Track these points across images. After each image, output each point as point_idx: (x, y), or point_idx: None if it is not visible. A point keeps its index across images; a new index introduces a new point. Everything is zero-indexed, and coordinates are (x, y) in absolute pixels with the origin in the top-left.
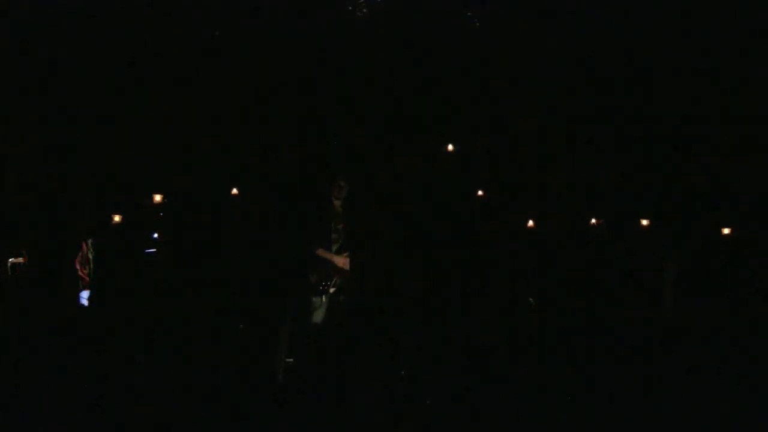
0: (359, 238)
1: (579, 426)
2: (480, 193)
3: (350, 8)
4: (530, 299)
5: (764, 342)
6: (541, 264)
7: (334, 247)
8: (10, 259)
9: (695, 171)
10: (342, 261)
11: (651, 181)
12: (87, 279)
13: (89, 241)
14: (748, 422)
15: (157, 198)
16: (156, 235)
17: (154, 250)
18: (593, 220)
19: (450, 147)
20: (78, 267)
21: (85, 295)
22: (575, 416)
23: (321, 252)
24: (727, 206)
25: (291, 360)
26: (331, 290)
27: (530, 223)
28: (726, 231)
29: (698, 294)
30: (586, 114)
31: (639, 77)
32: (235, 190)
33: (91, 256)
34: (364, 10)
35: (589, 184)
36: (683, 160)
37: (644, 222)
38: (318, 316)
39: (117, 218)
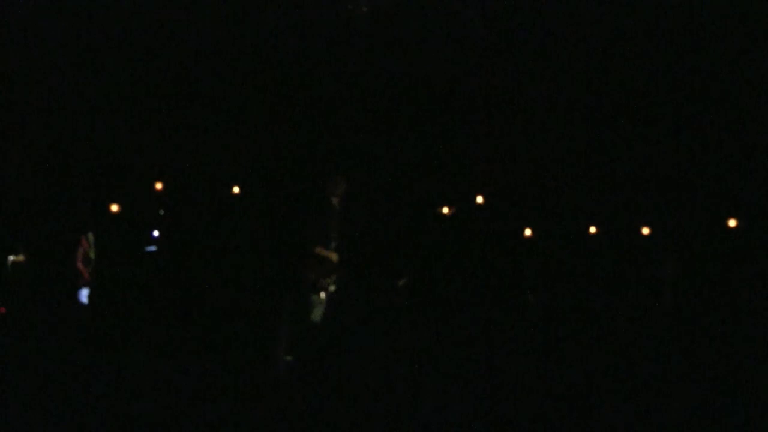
0: (350, 237)
1: (578, 425)
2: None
3: (350, 7)
4: (529, 296)
5: (764, 342)
6: (541, 264)
7: (333, 245)
8: (10, 257)
9: (695, 173)
10: (337, 258)
11: (651, 182)
12: (87, 277)
13: (90, 237)
14: (747, 422)
15: (158, 185)
16: (156, 233)
17: (155, 247)
18: (592, 229)
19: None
20: (80, 266)
21: (84, 293)
22: (575, 415)
23: (320, 250)
24: (727, 207)
25: (290, 358)
26: (331, 288)
27: (527, 232)
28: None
29: (698, 294)
30: (585, 116)
31: (638, 78)
32: (235, 188)
33: (92, 256)
34: (364, 9)
35: (589, 186)
36: (683, 162)
37: (645, 229)
38: (317, 314)
39: (114, 208)
